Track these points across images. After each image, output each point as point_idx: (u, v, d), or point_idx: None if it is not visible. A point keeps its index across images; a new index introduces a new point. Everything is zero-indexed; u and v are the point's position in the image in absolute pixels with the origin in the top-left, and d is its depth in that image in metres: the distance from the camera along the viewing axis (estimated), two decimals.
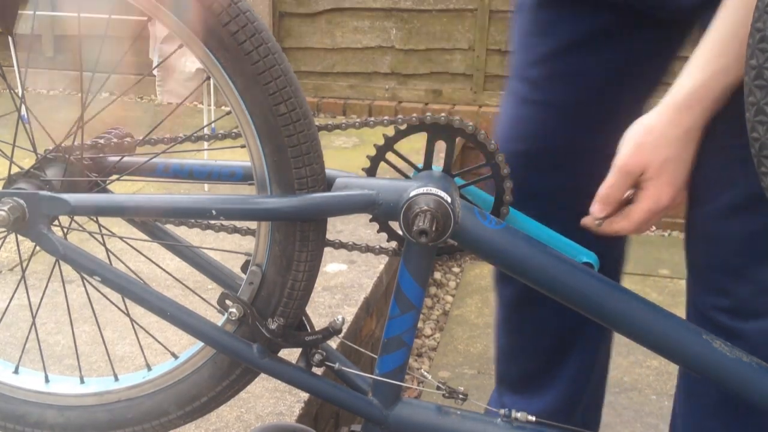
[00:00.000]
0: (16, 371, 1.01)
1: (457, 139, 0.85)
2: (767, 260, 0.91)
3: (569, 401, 1.28)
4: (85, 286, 0.99)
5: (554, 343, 1.24)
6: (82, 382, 0.99)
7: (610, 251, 1.13)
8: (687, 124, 0.86)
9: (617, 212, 0.92)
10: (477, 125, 0.84)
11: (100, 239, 0.97)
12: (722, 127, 0.91)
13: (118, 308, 0.99)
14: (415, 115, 0.86)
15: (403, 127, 0.84)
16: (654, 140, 0.86)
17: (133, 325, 1.02)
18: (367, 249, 0.92)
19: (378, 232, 0.91)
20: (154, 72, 2.73)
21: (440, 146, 0.88)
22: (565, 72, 1.04)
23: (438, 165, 0.88)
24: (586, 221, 0.94)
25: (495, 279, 1.28)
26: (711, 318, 0.94)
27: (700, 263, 0.99)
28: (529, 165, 1.07)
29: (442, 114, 0.85)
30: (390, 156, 0.87)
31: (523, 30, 1.08)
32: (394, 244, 0.91)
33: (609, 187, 0.90)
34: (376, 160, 0.87)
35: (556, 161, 1.09)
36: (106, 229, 0.97)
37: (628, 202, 0.92)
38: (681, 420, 1.09)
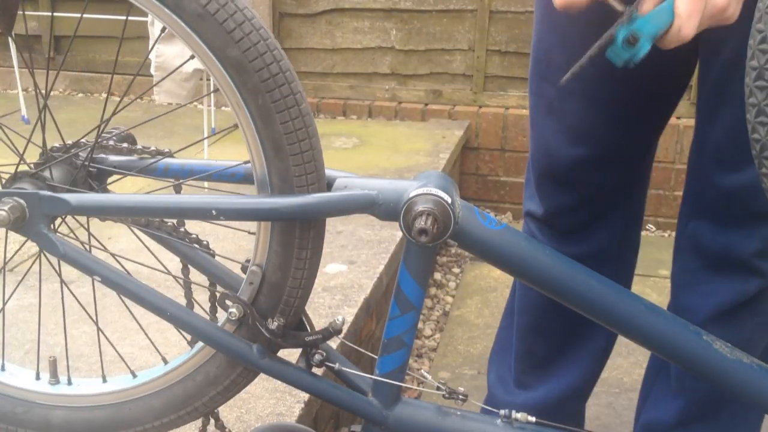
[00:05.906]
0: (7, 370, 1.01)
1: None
2: None
3: (589, 380, 1.30)
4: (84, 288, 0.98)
5: (575, 317, 1.27)
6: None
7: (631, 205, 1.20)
8: None
9: None
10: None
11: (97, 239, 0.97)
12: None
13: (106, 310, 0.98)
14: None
15: None
16: None
17: (99, 334, 1.02)
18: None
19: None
20: (152, 72, 2.72)
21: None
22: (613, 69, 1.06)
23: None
24: None
25: None
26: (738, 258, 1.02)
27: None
28: (590, 165, 1.11)
29: None
30: None
31: (572, 26, 1.08)
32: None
33: None
34: None
35: (611, 159, 1.13)
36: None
37: None
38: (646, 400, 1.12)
